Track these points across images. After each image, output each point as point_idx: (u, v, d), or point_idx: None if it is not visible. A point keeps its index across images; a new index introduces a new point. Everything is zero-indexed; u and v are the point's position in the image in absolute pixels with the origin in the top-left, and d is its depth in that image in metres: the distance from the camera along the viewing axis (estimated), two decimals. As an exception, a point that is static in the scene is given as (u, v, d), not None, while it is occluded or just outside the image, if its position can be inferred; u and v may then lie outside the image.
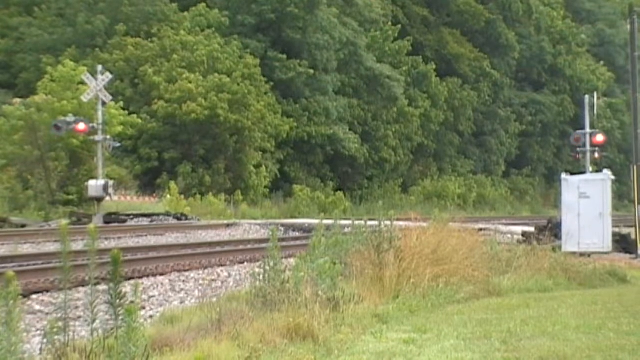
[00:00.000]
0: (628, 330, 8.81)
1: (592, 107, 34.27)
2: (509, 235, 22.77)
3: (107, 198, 32.73)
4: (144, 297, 11.43)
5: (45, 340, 6.16)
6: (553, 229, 22.22)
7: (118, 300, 5.97)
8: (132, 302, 6.08)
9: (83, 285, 9.87)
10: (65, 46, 45.67)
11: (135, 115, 39.95)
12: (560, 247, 19.30)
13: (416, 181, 59.90)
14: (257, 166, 46.00)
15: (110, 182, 32.68)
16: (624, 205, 51.48)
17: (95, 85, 32.91)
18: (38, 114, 35.32)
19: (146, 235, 25.32)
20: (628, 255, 21.97)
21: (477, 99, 67.50)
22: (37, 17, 48.73)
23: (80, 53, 45.08)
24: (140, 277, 13.35)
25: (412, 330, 8.62)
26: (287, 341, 7.54)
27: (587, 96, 34.84)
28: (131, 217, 32.42)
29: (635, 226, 22.48)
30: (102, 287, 6.18)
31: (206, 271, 15.14)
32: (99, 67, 33.81)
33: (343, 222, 13.58)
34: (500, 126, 71.08)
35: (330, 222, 12.93)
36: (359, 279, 10.92)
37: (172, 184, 38.74)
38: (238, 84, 43.79)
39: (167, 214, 33.83)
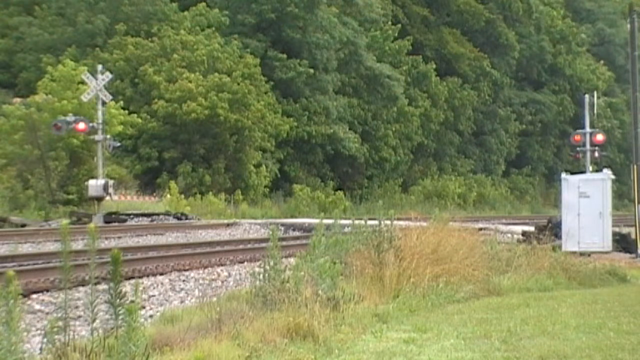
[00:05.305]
0: (628, 329, 8.82)
1: (592, 106, 34.25)
2: (509, 235, 22.79)
3: (107, 197, 32.72)
4: (144, 296, 11.43)
5: (45, 340, 6.17)
6: (553, 229, 22.20)
7: (118, 300, 5.97)
8: (132, 301, 6.08)
9: (83, 285, 9.86)
10: (65, 45, 45.65)
11: (135, 115, 39.96)
12: (560, 247, 19.30)
13: (416, 180, 59.86)
14: (257, 165, 45.99)
15: (110, 182, 32.68)
16: (623, 205, 51.47)
17: (95, 85, 32.91)
18: (38, 114, 35.32)
19: (146, 235, 25.30)
20: (628, 255, 21.96)
21: (477, 98, 67.45)
22: (37, 16, 48.71)
23: (80, 52, 45.07)
24: (140, 277, 13.33)
25: (412, 329, 8.62)
26: (287, 340, 7.55)
27: (587, 95, 34.80)
28: (131, 216, 32.42)
29: (635, 225, 22.45)
30: (102, 286, 6.19)
31: (206, 271, 15.12)
32: (99, 67, 33.80)
33: (343, 221, 13.58)
34: (500, 125, 71.02)
35: (330, 221, 12.92)
36: (359, 278, 10.92)
37: (172, 184, 38.76)
38: (238, 84, 43.77)
39: (167, 214, 33.83)
